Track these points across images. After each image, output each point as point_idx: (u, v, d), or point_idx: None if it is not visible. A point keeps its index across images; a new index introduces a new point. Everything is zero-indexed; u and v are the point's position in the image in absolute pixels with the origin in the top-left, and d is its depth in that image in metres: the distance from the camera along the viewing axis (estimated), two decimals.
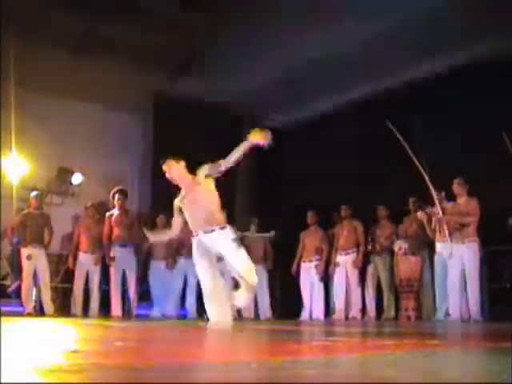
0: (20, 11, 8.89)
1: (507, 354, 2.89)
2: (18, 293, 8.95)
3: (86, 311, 8.98)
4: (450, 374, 2.15)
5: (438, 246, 8.19)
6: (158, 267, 9.53)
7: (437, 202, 8.00)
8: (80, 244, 9.11)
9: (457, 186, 7.91)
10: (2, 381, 1.38)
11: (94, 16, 9.65)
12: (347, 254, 9.23)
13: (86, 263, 9.04)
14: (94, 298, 9.01)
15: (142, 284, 9.65)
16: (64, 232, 10.09)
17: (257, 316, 9.79)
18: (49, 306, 8.75)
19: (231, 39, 10.51)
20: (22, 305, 8.77)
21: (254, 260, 9.78)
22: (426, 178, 7.87)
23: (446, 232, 7.90)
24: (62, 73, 10.26)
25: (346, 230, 9.29)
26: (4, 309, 8.91)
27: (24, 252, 8.74)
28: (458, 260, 7.81)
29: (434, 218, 8.14)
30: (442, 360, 2.67)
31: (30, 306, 8.64)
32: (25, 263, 8.71)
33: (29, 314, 8.48)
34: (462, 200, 7.91)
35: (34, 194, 9.17)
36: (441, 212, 7.96)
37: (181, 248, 9.30)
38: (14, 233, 9.01)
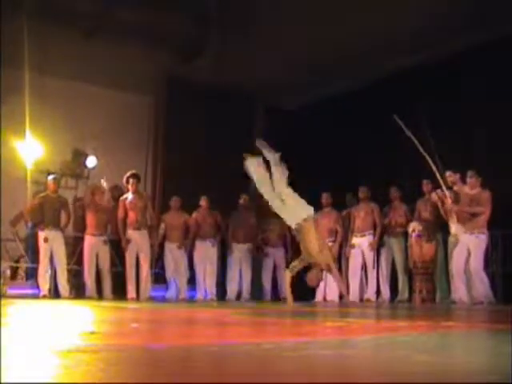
0: None
1: None
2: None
3: (100, 293, 9.03)
4: (462, 355, 2.16)
5: (452, 228, 8.18)
6: (172, 250, 9.56)
7: (445, 191, 8.00)
8: (88, 226, 9.16)
9: (471, 180, 7.95)
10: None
11: None
12: (363, 235, 9.22)
13: (94, 246, 9.08)
14: (106, 280, 9.06)
15: (157, 266, 9.71)
16: (77, 215, 10.11)
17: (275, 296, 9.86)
18: (64, 288, 8.81)
19: (244, 20, 10.43)
20: (37, 287, 8.84)
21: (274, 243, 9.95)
22: (434, 168, 7.83)
23: (455, 221, 7.98)
24: (76, 56, 10.24)
25: (364, 212, 9.25)
26: (19, 291, 9.01)
27: (41, 235, 8.80)
28: (465, 249, 7.86)
29: (445, 202, 8.16)
30: (454, 341, 2.67)
31: (45, 289, 8.69)
32: (41, 246, 8.76)
33: (44, 297, 8.55)
34: (475, 191, 7.93)
35: (51, 177, 9.20)
36: (449, 199, 7.98)
37: (198, 231, 9.55)
38: (30, 215, 9.08)
